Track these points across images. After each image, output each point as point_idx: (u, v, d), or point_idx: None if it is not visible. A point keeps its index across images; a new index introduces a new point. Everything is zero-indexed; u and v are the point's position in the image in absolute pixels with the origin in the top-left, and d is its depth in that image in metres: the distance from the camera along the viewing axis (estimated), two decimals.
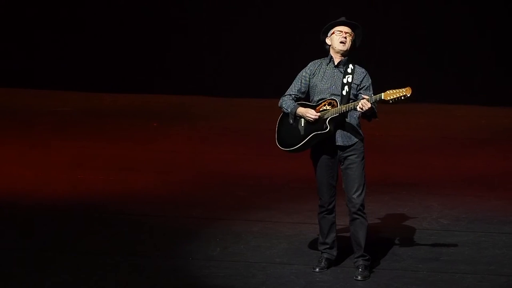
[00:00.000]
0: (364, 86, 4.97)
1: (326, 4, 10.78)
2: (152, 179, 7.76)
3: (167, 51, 11.95)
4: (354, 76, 4.98)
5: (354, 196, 4.98)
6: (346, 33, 4.97)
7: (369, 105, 4.77)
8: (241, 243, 5.91)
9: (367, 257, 5.07)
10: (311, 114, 4.95)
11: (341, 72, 5.01)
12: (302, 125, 5.01)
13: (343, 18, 5.05)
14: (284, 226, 6.36)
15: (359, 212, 5.01)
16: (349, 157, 4.99)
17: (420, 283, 5.01)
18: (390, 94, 4.76)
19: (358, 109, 4.80)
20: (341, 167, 5.06)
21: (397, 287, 4.92)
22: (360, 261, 5.04)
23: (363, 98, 4.80)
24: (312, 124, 4.95)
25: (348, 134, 4.98)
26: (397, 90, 4.77)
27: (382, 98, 4.78)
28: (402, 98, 4.76)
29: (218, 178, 7.80)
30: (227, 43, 11.83)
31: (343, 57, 5.02)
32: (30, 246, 5.84)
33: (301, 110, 5.00)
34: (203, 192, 7.40)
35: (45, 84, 11.84)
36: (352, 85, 4.96)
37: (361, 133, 5.04)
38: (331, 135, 4.95)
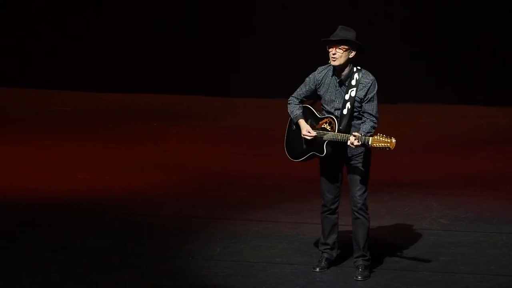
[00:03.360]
0: (367, 99, 4.95)
1: (328, 5, 10.78)
2: (152, 179, 7.76)
3: (169, 51, 11.96)
4: (359, 88, 4.96)
5: (357, 194, 5.01)
6: (336, 48, 4.97)
7: (356, 143, 4.78)
8: (241, 243, 5.91)
9: (367, 257, 5.07)
10: (306, 134, 4.97)
11: (345, 85, 5.00)
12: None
13: (338, 29, 5.03)
14: (284, 226, 6.36)
15: (360, 212, 5.02)
16: (355, 158, 5.01)
17: (420, 283, 5.01)
18: (376, 141, 4.78)
19: (349, 144, 4.81)
20: (346, 165, 5.08)
21: (397, 287, 4.92)
22: (360, 261, 5.05)
23: (355, 136, 4.80)
24: (312, 141, 4.98)
25: (359, 149, 4.97)
26: (384, 140, 4.76)
27: (369, 143, 4.79)
28: (386, 149, 4.79)
29: (218, 178, 7.80)
30: (228, 43, 11.83)
31: (343, 71, 5.02)
32: (30, 246, 5.84)
33: (301, 124, 5.04)
34: (203, 192, 7.41)
35: (44, 83, 11.84)
36: (356, 98, 4.95)
37: None
38: (329, 156, 4.97)
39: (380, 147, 4.76)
